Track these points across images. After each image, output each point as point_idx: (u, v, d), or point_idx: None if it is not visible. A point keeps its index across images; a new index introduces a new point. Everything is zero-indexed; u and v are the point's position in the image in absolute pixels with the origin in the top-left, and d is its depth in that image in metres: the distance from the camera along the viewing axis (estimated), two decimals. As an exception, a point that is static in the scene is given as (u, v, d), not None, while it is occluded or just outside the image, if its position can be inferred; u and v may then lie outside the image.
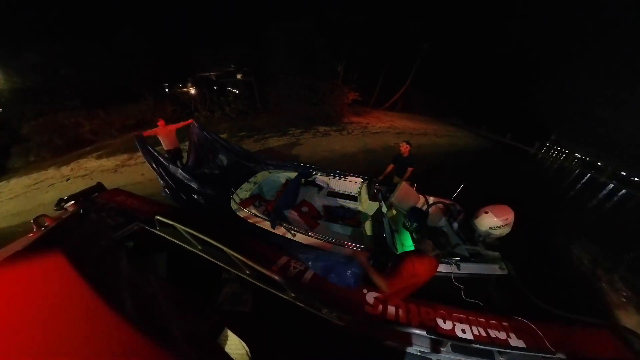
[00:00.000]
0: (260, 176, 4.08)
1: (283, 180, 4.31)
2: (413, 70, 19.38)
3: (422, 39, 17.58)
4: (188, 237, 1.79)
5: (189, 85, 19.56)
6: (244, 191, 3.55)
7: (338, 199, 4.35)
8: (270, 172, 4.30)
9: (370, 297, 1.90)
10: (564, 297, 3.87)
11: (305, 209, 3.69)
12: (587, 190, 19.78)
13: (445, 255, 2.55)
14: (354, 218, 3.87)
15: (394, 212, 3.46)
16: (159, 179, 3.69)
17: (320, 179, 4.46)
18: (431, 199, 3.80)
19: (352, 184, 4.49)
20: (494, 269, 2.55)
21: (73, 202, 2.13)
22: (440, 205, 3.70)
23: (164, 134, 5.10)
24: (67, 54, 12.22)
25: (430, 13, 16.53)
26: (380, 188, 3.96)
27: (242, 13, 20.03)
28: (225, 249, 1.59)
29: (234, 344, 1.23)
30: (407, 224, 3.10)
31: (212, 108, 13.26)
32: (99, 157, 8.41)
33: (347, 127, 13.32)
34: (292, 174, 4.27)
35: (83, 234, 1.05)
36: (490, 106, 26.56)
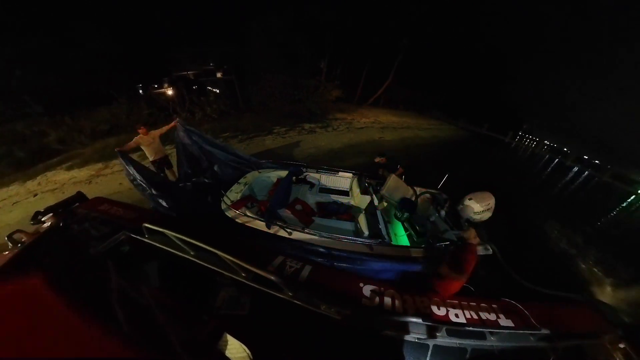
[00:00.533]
0: (250, 177, 4.00)
1: (274, 180, 4.25)
2: (395, 66, 19.76)
3: (402, 34, 17.93)
4: (179, 243, 1.73)
5: (166, 85, 18.48)
6: (235, 193, 3.48)
7: (330, 195, 4.38)
8: (260, 172, 4.22)
9: (367, 290, 1.92)
10: (544, 275, 4.19)
11: (299, 206, 3.66)
12: (557, 174, 21.51)
13: (437, 241, 2.78)
14: (348, 213, 3.92)
15: (385, 204, 3.57)
16: (150, 201, 3.31)
17: (312, 176, 4.46)
18: (418, 190, 3.93)
19: (343, 180, 4.54)
20: (480, 250, 2.71)
21: (51, 214, 1.95)
22: (428, 195, 3.90)
23: (147, 142, 4.62)
24: (23, 53, 11.08)
25: (409, 9, 16.88)
26: (370, 182, 4.05)
27: (220, 9, 19.11)
28: (218, 252, 1.54)
29: (235, 348, 1.22)
30: (398, 214, 3.28)
31: (192, 109, 12.67)
32: (70, 168, 7.74)
33: (332, 124, 13.35)
34: (283, 173, 4.22)
35: (64, 248, 0.95)
36: (468, 99, 27.98)
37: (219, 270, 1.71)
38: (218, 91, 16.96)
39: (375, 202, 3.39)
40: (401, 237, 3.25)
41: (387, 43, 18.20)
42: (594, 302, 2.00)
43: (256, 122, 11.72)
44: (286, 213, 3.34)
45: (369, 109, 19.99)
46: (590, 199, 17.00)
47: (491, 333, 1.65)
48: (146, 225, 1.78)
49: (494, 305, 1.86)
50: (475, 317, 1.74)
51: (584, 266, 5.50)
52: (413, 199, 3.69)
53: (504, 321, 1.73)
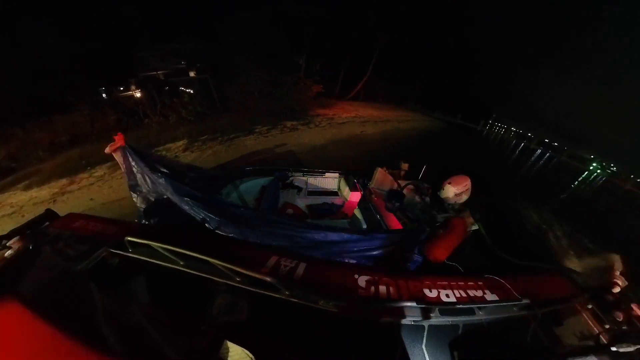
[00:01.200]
0: (231, 187, 3.83)
1: (258, 188, 4.10)
2: (373, 60, 20.07)
3: (379, 29, 18.21)
4: (167, 254, 1.64)
5: (133, 87, 16.97)
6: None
7: (319, 197, 4.33)
8: (242, 181, 4.05)
9: (362, 280, 1.96)
10: (520, 249, 4.57)
11: (290, 211, 3.61)
12: (523, 156, 23.47)
13: (429, 225, 2.91)
14: (340, 212, 3.92)
15: (374, 197, 3.69)
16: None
17: (298, 179, 4.37)
18: (402, 182, 4.11)
19: (330, 180, 4.52)
20: (469, 226, 2.95)
21: (18, 237, 1.73)
22: (411, 186, 4.08)
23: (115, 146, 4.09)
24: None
25: (386, 4, 17.14)
26: (358, 179, 4.11)
27: (191, 3, 17.73)
28: (210, 259, 1.49)
29: (237, 354, 1.20)
30: (389, 206, 3.37)
31: (165, 112, 11.85)
32: (27, 188, 6.87)
33: (314, 120, 13.31)
34: (266, 179, 4.12)
35: (38, 273, 0.84)
36: (443, 92, 29.45)
37: (212, 277, 1.65)
38: (192, 91, 16.05)
39: (371, 196, 3.50)
40: (394, 225, 3.42)
41: (365, 38, 18.40)
42: (564, 270, 2.25)
43: (236, 122, 11.31)
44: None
45: (349, 103, 20.17)
46: (552, 177, 18.82)
47: (479, 308, 1.79)
48: (129, 238, 1.64)
49: (479, 283, 2.01)
50: (464, 295, 1.87)
51: (552, 237, 6.13)
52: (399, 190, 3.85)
53: (489, 296, 1.89)
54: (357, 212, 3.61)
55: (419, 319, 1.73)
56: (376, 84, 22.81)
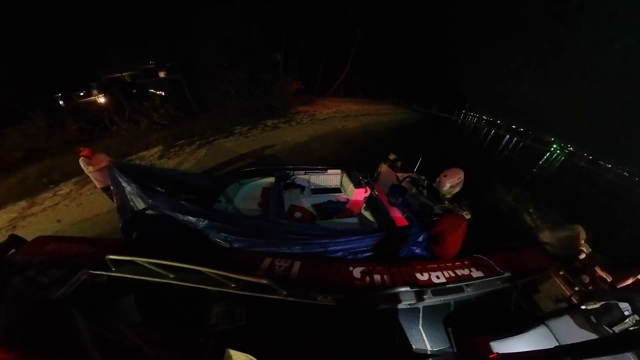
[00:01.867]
0: (231, 191, 3.65)
1: (259, 189, 3.93)
2: (351, 56, 20.17)
3: (356, 25, 18.28)
4: (154, 268, 1.55)
5: (95, 92, 15.41)
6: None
7: (323, 195, 4.23)
8: (241, 184, 3.90)
9: (357, 272, 1.99)
10: (499, 228, 4.93)
11: (298, 214, 3.46)
12: (494, 142, 25.22)
13: (428, 215, 3.24)
14: (347, 209, 3.85)
15: (376, 193, 3.78)
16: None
17: (300, 178, 4.27)
18: (400, 175, 4.30)
19: (332, 177, 4.46)
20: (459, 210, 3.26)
21: None
22: (408, 179, 4.30)
23: (96, 165, 3.68)
24: None
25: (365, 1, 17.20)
26: (361, 174, 4.10)
27: None
28: (201, 269, 1.43)
29: None
30: (392, 200, 3.55)
31: (135, 117, 10.86)
32: None
33: (295, 117, 13.16)
34: (266, 180, 4.01)
35: (9, 308, 0.73)
36: (419, 84, 30.56)
37: (205, 287, 1.59)
38: (164, 94, 15.05)
39: (375, 192, 3.57)
40: (399, 219, 3.49)
41: (342, 33, 18.40)
42: (538, 243, 2.50)
43: (214, 124, 10.79)
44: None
45: (330, 99, 20.19)
46: (520, 159, 20.46)
47: (467, 285, 1.92)
48: (110, 257, 1.54)
49: (466, 262, 2.16)
50: (453, 275, 1.99)
51: (525, 215, 6.72)
52: (399, 184, 4.04)
53: (475, 273, 2.03)
54: (364, 208, 3.66)
55: (414, 301, 1.80)
56: (355, 79, 23.05)
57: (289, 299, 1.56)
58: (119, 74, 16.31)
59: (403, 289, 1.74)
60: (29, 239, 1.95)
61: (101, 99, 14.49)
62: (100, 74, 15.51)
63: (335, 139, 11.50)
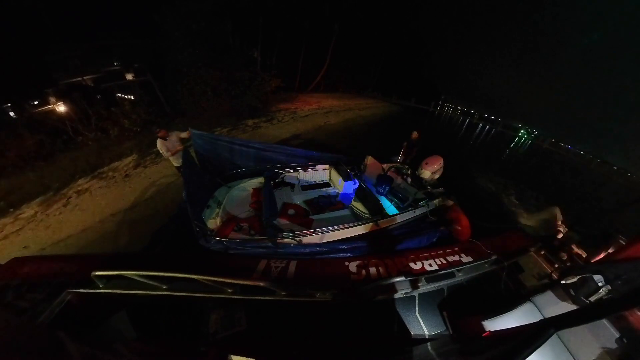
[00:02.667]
0: (220, 194, 3.61)
1: (249, 190, 3.91)
2: (330, 51, 20.04)
3: (333, 20, 18.11)
4: (145, 281, 1.47)
5: (53, 100, 13.89)
6: (211, 219, 3.08)
7: (314, 190, 4.33)
8: (229, 186, 3.86)
9: (353, 266, 2.01)
10: (483, 213, 5.22)
11: (291, 211, 3.51)
12: (469, 131, 26.65)
13: (418, 201, 3.49)
14: (338, 201, 3.97)
15: (364, 184, 3.95)
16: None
17: (289, 175, 4.33)
18: (385, 166, 4.47)
19: (321, 172, 4.56)
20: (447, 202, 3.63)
21: None
22: (393, 169, 4.53)
23: (172, 146, 4.27)
24: None
25: None
26: (349, 167, 4.25)
27: None
28: (195, 277, 1.38)
29: None
30: (380, 190, 3.75)
31: (103, 125, 9.96)
32: None
33: (277, 116, 12.92)
34: (255, 180, 4.04)
35: None
36: (397, 78, 31.24)
37: (201, 295, 1.54)
38: (133, 97, 14.01)
39: (363, 184, 3.78)
40: (388, 207, 3.70)
41: (319, 28, 18.18)
42: (519, 226, 2.72)
43: (192, 127, 10.25)
44: (282, 222, 3.19)
45: (310, 95, 20.03)
46: (493, 145, 21.85)
47: (458, 270, 2.03)
48: (96, 273, 1.44)
49: (455, 248, 2.28)
50: (444, 262, 2.09)
51: (506, 200, 7.20)
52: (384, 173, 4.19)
53: (465, 258, 2.16)
54: (354, 199, 3.77)
55: (409, 290, 1.86)
56: (335, 74, 23.00)
57: (287, 298, 1.55)
58: (79, 78, 14.82)
59: (398, 279, 1.79)
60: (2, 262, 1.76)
61: (60, 107, 13.10)
62: (57, 79, 13.97)
63: (319, 136, 11.47)
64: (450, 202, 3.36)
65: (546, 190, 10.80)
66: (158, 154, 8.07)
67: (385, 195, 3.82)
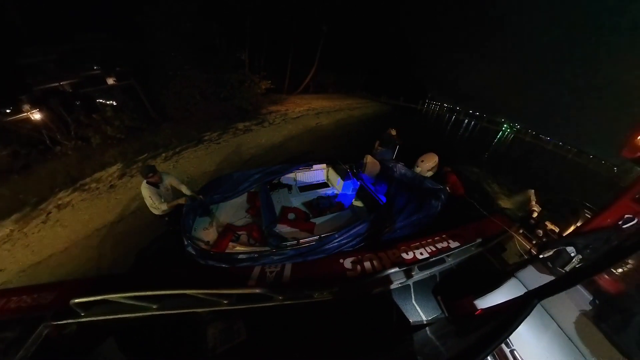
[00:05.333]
0: (219, 199, 3.39)
1: (244, 196, 3.70)
2: (318, 52, 20.13)
3: (321, 21, 18.21)
4: (133, 302, 1.39)
5: (27, 107, 13.17)
6: (203, 229, 2.88)
7: (312, 192, 4.20)
8: (227, 193, 3.60)
9: (348, 262, 2.05)
10: (469, 202, 5.47)
11: (291, 215, 3.37)
12: (455, 127, 27.56)
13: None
14: (339, 202, 3.85)
15: (364, 183, 3.93)
16: None
17: (285, 177, 4.19)
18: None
19: (318, 172, 4.46)
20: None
21: None
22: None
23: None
24: None
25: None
26: (347, 167, 4.18)
27: None
28: (188, 292, 1.34)
29: None
30: (380, 187, 3.82)
31: (84, 133, 9.44)
32: None
33: (268, 118, 12.84)
34: (249, 184, 3.76)
35: None
36: (386, 78, 31.87)
37: (195, 310, 1.48)
38: (115, 103, 13.53)
39: (364, 183, 3.76)
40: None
41: (307, 29, 18.22)
42: (500, 210, 2.88)
43: (180, 132, 9.98)
44: (283, 228, 3.03)
45: (300, 97, 20.05)
46: (478, 140, 22.70)
47: (448, 256, 2.12)
48: (76, 301, 1.34)
49: (443, 235, 2.39)
50: (434, 249, 2.18)
51: (487, 187, 7.56)
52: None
53: (453, 244, 2.26)
54: (355, 199, 3.76)
55: (404, 280, 1.93)
56: (324, 75, 23.12)
57: (286, 303, 1.55)
58: (56, 84, 14.12)
59: (392, 270, 1.85)
60: None
61: (36, 115, 12.40)
62: (31, 85, 13.23)
63: (311, 137, 11.51)
64: (449, 168, 3.92)
65: (525, 177, 11.53)
66: (144, 162, 7.74)
67: (389, 191, 3.67)
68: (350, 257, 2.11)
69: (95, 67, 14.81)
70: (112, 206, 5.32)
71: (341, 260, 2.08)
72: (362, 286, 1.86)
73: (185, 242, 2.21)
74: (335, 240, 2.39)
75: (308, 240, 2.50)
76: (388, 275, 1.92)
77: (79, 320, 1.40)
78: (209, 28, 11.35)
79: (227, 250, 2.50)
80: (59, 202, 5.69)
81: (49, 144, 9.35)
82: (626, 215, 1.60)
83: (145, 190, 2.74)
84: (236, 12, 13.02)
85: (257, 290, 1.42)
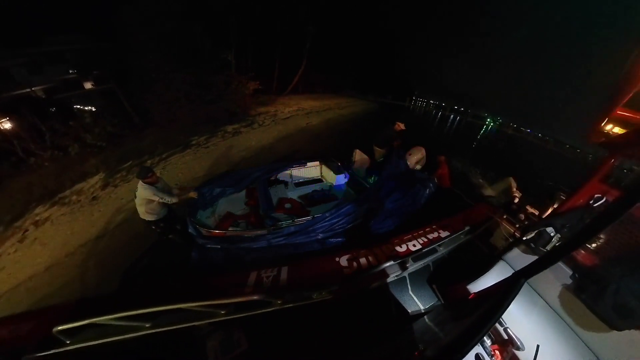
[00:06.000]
0: (219, 195, 3.61)
1: (242, 191, 3.93)
2: (306, 52, 20.08)
3: (308, 21, 18.16)
4: (123, 323, 1.31)
5: None
6: (205, 218, 3.19)
7: (307, 186, 4.47)
8: (226, 191, 3.84)
9: (344, 260, 2.06)
10: (456, 194, 5.70)
11: (288, 205, 3.62)
12: (442, 122, 28.40)
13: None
14: (332, 194, 4.14)
15: (355, 175, 4.28)
16: None
17: (281, 174, 4.43)
18: (378, 150, 4.81)
19: (312, 169, 4.67)
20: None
21: None
22: (380, 160, 4.85)
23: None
24: None
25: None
26: (339, 162, 4.47)
27: None
28: (182, 306, 1.28)
29: None
30: (370, 179, 4.07)
31: (61, 142, 8.78)
32: None
33: (257, 120, 12.70)
34: (248, 181, 3.99)
35: None
36: (373, 76, 32.29)
37: (192, 324, 1.42)
38: (94, 109, 12.90)
39: (355, 175, 4.07)
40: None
41: (294, 29, 18.12)
42: (485, 198, 3.03)
43: (165, 138, 9.64)
44: (280, 214, 3.26)
45: (289, 97, 19.95)
46: (464, 134, 23.52)
47: (439, 245, 2.19)
48: (59, 328, 1.23)
49: (433, 226, 2.47)
50: (425, 240, 2.25)
51: (472, 177, 7.89)
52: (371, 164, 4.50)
53: (443, 234, 2.34)
54: (347, 191, 3.97)
55: (399, 272, 1.96)
56: (312, 75, 23.09)
57: (285, 306, 1.53)
58: (27, 89, 13.26)
59: (388, 264, 1.88)
60: None
61: (5, 124, 11.53)
62: (-4, 91, 12.32)
63: (302, 137, 11.48)
64: (442, 158, 4.11)
65: (507, 167, 12.20)
66: (129, 170, 7.44)
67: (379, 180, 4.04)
68: (346, 254, 2.13)
69: (70, 71, 13.99)
70: (96, 219, 5.05)
71: (337, 259, 2.09)
72: (360, 282, 1.88)
73: (189, 225, 2.48)
74: (326, 219, 2.52)
75: (302, 220, 2.68)
76: (384, 269, 1.95)
77: (65, 349, 1.29)
78: (192, 29, 11.03)
79: (230, 228, 2.72)
80: (37, 218, 5.33)
81: (22, 155, 8.55)
82: (595, 195, 1.72)
83: (147, 191, 2.63)
84: (220, 12, 12.74)
85: (255, 297, 1.40)
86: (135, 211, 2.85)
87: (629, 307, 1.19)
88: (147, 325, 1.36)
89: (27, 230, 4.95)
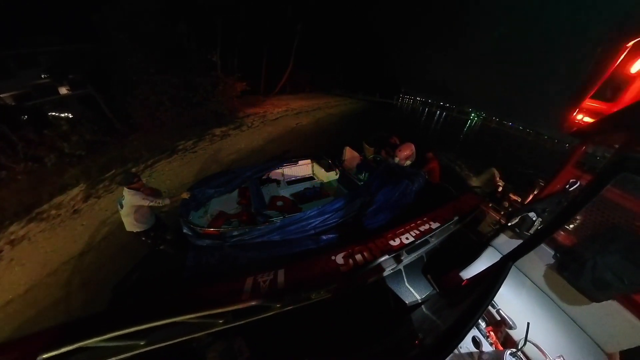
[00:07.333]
0: (212, 195, 3.57)
1: (234, 191, 3.91)
2: (293, 51, 19.94)
3: (296, 20, 18.03)
4: (115, 343, 1.24)
5: None
6: (198, 218, 3.21)
7: (299, 184, 4.53)
8: (219, 191, 3.77)
9: (340, 258, 2.07)
10: (444, 186, 5.92)
11: (279, 202, 3.66)
12: (429, 118, 29.24)
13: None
14: (324, 192, 4.19)
15: (346, 173, 4.22)
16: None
17: (273, 173, 4.45)
18: (368, 150, 4.92)
19: (304, 167, 4.72)
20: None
21: None
22: (370, 157, 4.86)
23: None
24: None
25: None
26: (330, 159, 4.52)
27: None
28: (178, 319, 1.23)
29: None
30: (360, 177, 4.09)
31: (36, 153, 8.27)
32: None
33: (246, 121, 12.50)
34: (240, 180, 3.98)
35: None
36: (361, 75, 32.67)
37: (189, 337, 1.38)
38: (71, 115, 12.25)
39: (345, 172, 4.05)
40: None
41: (281, 28, 17.94)
42: (471, 188, 3.17)
43: (150, 143, 9.28)
44: (272, 212, 3.26)
45: (278, 98, 19.81)
46: (450, 129, 24.37)
47: (431, 237, 2.26)
48: (44, 356, 1.15)
49: (424, 218, 2.53)
50: (418, 232, 2.30)
51: (459, 169, 8.21)
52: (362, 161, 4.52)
53: (434, 225, 2.40)
54: (338, 188, 3.99)
55: (395, 265, 2.01)
56: (300, 74, 23.03)
57: (285, 309, 1.52)
58: (-3, 98, 12.41)
59: (383, 258, 1.91)
60: None
61: None
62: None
63: (292, 138, 11.41)
64: (431, 154, 4.16)
65: (491, 159, 12.84)
66: (112, 179, 7.08)
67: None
68: (341, 252, 2.14)
69: (43, 76, 13.16)
70: (79, 234, 4.71)
71: (333, 257, 2.10)
72: (357, 279, 1.89)
73: (183, 226, 2.49)
74: (319, 214, 2.54)
75: (293, 214, 2.70)
76: (379, 264, 1.98)
77: None
78: (175, 29, 10.67)
79: (223, 226, 2.75)
80: (12, 237, 4.93)
81: (-6, 166, 8.07)
82: (570, 180, 1.87)
83: (135, 197, 2.51)
84: (204, 11, 12.39)
85: (253, 303, 1.37)
86: (122, 222, 2.70)
87: (606, 280, 1.30)
88: (141, 343, 1.30)
89: (2, 250, 4.56)
